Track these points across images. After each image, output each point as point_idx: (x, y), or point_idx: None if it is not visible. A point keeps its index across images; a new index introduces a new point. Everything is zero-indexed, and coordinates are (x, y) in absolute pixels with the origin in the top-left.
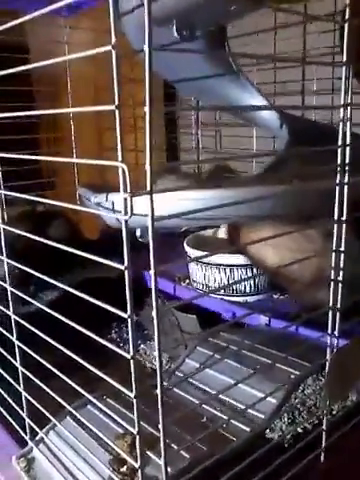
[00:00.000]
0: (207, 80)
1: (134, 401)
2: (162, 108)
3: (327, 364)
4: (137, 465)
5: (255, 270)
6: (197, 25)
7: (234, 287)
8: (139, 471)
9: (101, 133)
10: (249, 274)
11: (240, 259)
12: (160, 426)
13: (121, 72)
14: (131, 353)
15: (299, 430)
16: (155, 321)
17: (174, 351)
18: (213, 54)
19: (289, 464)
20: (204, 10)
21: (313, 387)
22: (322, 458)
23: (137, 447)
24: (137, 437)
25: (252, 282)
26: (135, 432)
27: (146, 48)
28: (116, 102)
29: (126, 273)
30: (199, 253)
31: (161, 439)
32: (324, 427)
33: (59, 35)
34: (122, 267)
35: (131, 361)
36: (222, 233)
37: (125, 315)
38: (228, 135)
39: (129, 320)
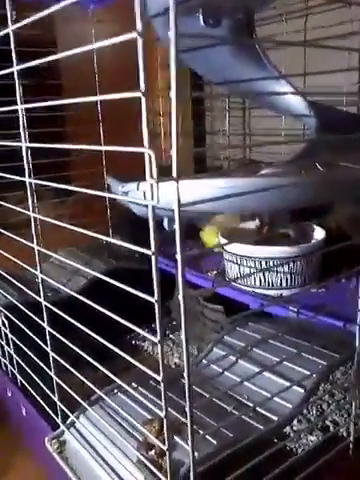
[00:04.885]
0: (235, 69)
1: (161, 385)
2: (189, 94)
3: (356, 354)
4: (165, 448)
5: (291, 264)
6: (224, 13)
7: (269, 280)
8: (167, 453)
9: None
10: (285, 267)
11: (275, 251)
12: (187, 409)
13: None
14: (158, 337)
15: (328, 423)
16: (182, 304)
17: (202, 343)
18: (240, 42)
19: (317, 455)
20: None
21: (342, 380)
22: (351, 450)
23: (165, 430)
24: (164, 420)
25: (288, 275)
26: (163, 415)
27: (172, 34)
28: (142, 89)
29: (153, 258)
30: (233, 245)
31: (188, 422)
32: (353, 418)
33: (87, 30)
34: (149, 252)
35: (158, 346)
36: (252, 224)
37: (152, 299)
38: (256, 115)
39: (156, 304)
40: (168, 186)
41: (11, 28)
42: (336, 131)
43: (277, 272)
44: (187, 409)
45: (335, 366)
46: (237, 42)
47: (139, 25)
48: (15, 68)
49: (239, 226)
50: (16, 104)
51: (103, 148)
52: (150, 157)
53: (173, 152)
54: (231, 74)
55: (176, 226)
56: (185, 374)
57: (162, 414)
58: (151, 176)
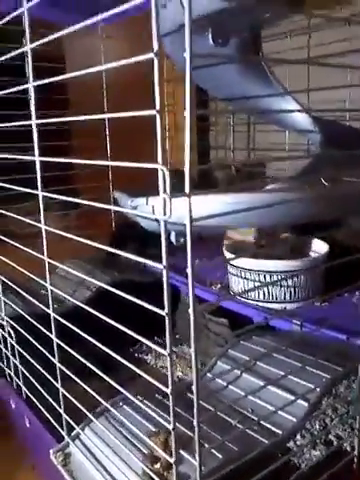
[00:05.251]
0: (241, 86)
1: (170, 398)
2: (195, 110)
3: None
4: (172, 460)
5: (295, 278)
6: (231, 32)
7: (273, 294)
8: (174, 466)
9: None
10: (289, 280)
11: (278, 265)
12: (195, 423)
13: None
14: (168, 350)
15: (331, 437)
16: (192, 319)
17: (206, 357)
18: (248, 60)
19: (321, 469)
20: (238, 17)
21: (345, 394)
22: (355, 464)
23: (172, 442)
24: (172, 433)
25: (292, 289)
26: (170, 428)
27: (187, 55)
28: (157, 107)
29: (164, 272)
30: (238, 259)
31: (196, 436)
32: (357, 432)
33: (94, 45)
34: (161, 266)
35: (168, 358)
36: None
37: (163, 312)
38: (260, 130)
39: (166, 317)
40: (179, 201)
41: (29, 46)
42: (340, 146)
43: (281, 286)
44: (195, 423)
45: (338, 379)
46: (245, 60)
47: (156, 45)
48: (31, 84)
49: (241, 239)
50: (23, 118)
51: (115, 164)
52: (164, 173)
53: (186, 168)
54: (238, 91)
55: (188, 241)
56: (194, 388)
57: (170, 427)
58: (164, 191)
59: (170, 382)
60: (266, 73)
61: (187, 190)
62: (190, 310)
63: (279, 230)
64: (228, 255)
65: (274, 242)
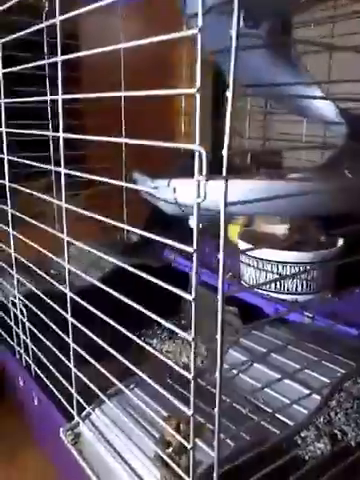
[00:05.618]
0: (268, 72)
1: (192, 382)
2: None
3: None
4: (189, 446)
5: (309, 270)
6: (265, 16)
7: (285, 285)
8: (191, 452)
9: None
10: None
11: (293, 256)
12: (216, 410)
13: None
14: (192, 335)
15: (336, 431)
16: (220, 309)
17: (212, 344)
18: (280, 43)
19: (328, 465)
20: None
21: (351, 389)
22: None
23: (191, 427)
24: (191, 418)
25: (304, 281)
26: (190, 413)
27: (234, 33)
28: (198, 86)
29: (194, 256)
30: (250, 248)
31: (216, 422)
32: None
33: (108, 23)
34: (191, 249)
35: (192, 342)
36: (278, 229)
37: (190, 297)
38: (277, 120)
39: (193, 302)
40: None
41: (59, 18)
42: None
43: (293, 277)
44: (216, 411)
45: (350, 375)
46: (277, 44)
47: (200, 21)
48: (59, 58)
49: (261, 229)
50: (37, 95)
51: (152, 143)
52: (201, 154)
53: (225, 151)
54: (264, 76)
55: (221, 227)
56: (217, 376)
57: (189, 413)
58: (200, 173)
59: (192, 367)
60: (294, 60)
61: (224, 173)
62: (218, 297)
63: (315, 231)
64: (242, 244)
65: (306, 240)
